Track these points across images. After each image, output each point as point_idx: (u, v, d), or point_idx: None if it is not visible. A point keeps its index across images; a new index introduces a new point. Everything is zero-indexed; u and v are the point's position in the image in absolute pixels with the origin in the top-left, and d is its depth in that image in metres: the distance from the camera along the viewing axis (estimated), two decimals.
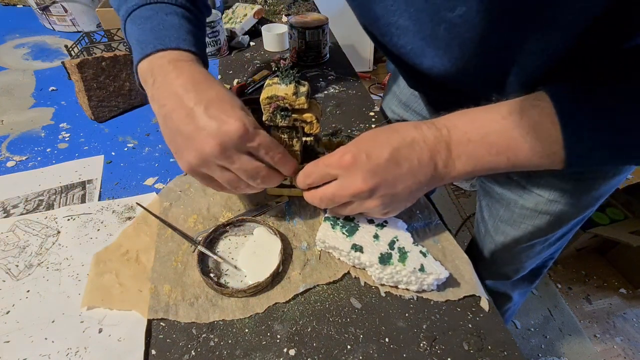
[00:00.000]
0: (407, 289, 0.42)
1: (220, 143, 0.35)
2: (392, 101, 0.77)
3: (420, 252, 0.42)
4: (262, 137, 0.38)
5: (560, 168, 0.35)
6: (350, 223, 0.45)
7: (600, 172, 0.51)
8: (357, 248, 0.42)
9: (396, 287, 0.42)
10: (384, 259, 0.41)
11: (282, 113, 0.44)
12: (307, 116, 0.45)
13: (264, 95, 0.43)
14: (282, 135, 0.47)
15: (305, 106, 0.44)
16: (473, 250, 0.75)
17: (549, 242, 0.64)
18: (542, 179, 0.53)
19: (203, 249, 0.44)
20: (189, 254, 0.45)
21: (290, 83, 0.44)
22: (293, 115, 0.45)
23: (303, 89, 0.44)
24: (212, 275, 0.43)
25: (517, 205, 0.58)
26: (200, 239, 0.45)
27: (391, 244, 0.43)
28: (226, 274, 0.43)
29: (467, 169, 0.38)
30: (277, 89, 0.44)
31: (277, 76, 0.44)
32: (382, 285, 0.43)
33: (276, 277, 0.43)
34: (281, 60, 0.45)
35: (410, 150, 0.38)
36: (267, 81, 0.46)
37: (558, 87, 0.34)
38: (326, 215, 0.47)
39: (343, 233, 0.44)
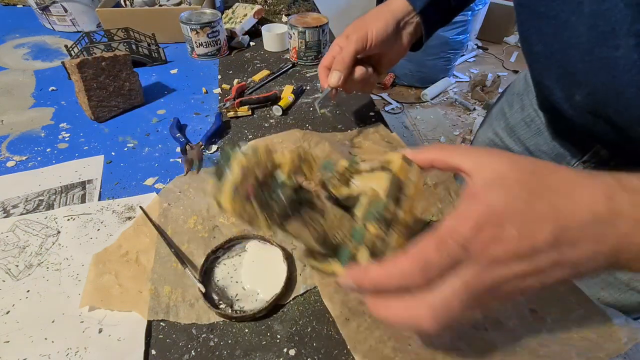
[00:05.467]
0: None
1: None
2: (499, 123, 0.67)
3: None
4: None
5: None
6: None
7: None
8: None
9: None
10: None
11: (264, 190, 0.29)
12: (285, 158, 0.31)
13: (227, 199, 0.28)
14: (300, 221, 0.30)
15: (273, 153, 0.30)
16: None
17: None
18: None
19: (201, 285, 0.40)
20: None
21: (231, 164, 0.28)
22: (276, 174, 0.30)
23: (250, 148, 0.29)
24: (222, 306, 0.41)
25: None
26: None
27: None
28: (238, 299, 0.41)
29: None
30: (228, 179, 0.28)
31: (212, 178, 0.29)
32: None
33: (289, 283, 0.42)
34: (192, 151, 0.30)
35: (588, 232, 0.23)
36: (212, 189, 0.29)
37: None
38: None
39: None
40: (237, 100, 0.70)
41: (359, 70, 0.53)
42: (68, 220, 0.50)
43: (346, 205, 0.31)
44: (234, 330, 0.39)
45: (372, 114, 0.71)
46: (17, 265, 0.45)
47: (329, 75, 0.53)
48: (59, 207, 0.52)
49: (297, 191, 0.30)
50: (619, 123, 0.37)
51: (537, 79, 0.50)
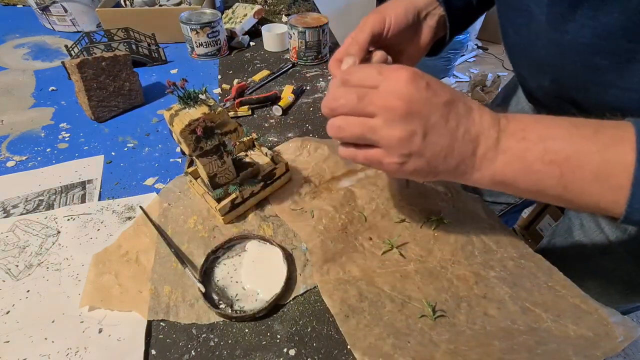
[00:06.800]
0: None
1: None
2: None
3: None
4: None
5: (619, 214, 0.28)
6: None
7: None
8: None
9: None
10: None
11: (207, 135, 0.42)
12: (231, 125, 0.43)
13: (180, 126, 0.40)
14: (211, 159, 0.45)
15: (226, 116, 0.43)
16: None
17: None
18: None
19: (201, 286, 0.41)
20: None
21: (196, 104, 0.42)
22: (216, 131, 0.43)
23: (212, 101, 0.42)
24: (222, 306, 0.41)
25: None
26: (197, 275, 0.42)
27: None
28: (237, 299, 0.41)
29: (507, 171, 0.31)
30: (189, 114, 0.41)
31: (178, 103, 0.42)
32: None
33: (289, 283, 0.42)
34: (180, 81, 0.42)
35: (461, 115, 0.32)
36: (169, 112, 0.42)
37: None
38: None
39: None
40: (237, 100, 0.70)
41: (378, 54, 0.44)
42: (68, 220, 0.50)
43: (238, 166, 0.51)
44: (234, 330, 0.39)
45: None
46: (17, 265, 0.45)
47: (343, 61, 0.43)
48: (59, 207, 0.52)
49: (218, 145, 0.45)
50: (584, 105, 0.41)
51: (515, 70, 0.52)
